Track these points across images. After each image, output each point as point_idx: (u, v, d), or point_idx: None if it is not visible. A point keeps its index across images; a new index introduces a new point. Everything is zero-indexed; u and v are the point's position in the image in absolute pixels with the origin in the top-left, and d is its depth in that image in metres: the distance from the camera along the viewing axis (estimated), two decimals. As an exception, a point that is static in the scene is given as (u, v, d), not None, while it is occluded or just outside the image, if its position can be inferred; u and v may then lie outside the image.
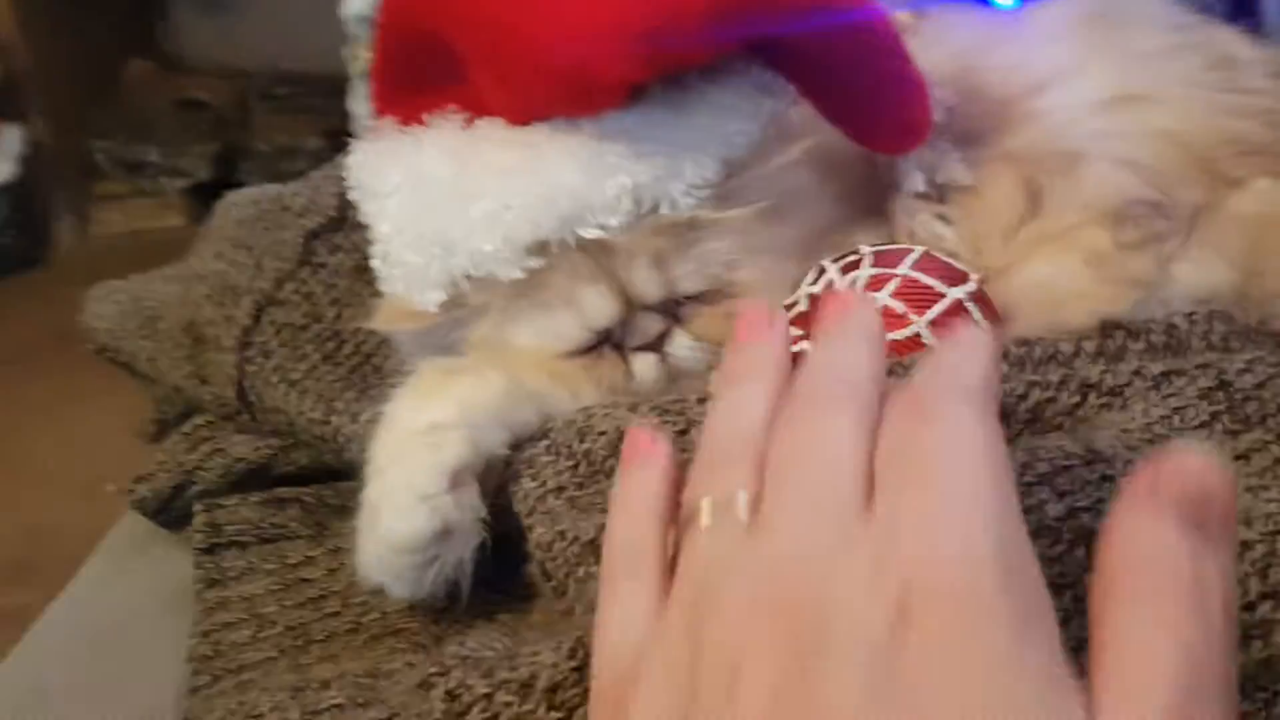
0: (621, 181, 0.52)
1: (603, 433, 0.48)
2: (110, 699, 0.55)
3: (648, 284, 0.55)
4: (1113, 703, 0.26)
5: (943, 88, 0.60)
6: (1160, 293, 0.56)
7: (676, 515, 0.35)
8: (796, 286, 0.56)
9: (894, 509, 0.29)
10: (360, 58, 2.47)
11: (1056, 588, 0.29)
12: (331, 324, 0.64)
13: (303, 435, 0.62)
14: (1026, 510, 0.30)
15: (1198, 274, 0.57)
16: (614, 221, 0.52)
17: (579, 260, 0.53)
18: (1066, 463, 0.39)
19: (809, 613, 0.28)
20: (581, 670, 0.38)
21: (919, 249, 0.54)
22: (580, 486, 0.47)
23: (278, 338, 0.63)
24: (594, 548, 0.43)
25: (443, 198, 0.54)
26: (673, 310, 0.56)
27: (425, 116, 0.57)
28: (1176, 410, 0.44)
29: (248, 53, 2.96)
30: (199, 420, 0.67)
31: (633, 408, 0.49)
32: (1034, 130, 0.60)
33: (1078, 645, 0.27)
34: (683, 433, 0.46)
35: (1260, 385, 0.45)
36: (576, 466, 0.48)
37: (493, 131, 0.56)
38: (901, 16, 0.63)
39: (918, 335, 0.50)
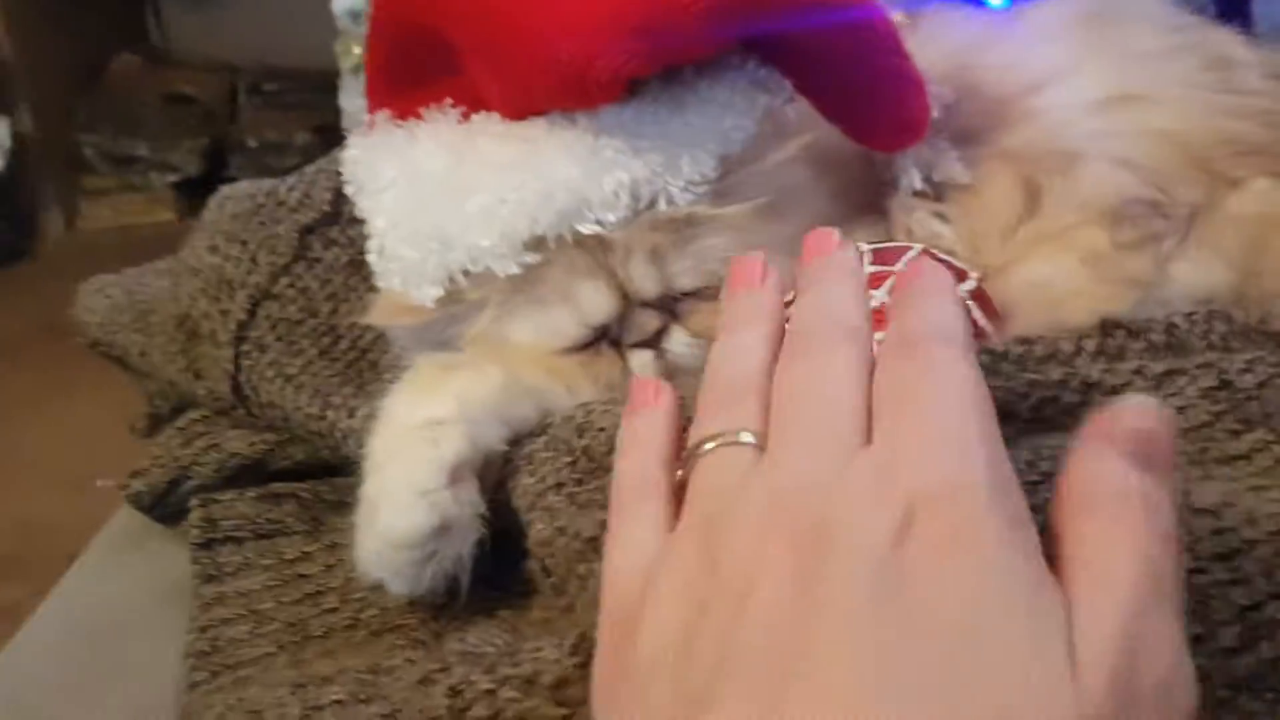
0: (619, 177, 0.52)
1: (602, 429, 0.47)
2: (105, 695, 0.54)
3: (645, 280, 0.54)
4: (1085, 600, 0.29)
5: (940, 85, 0.60)
6: (1159, 292, 0.56)
7: (680, 456, 0.37)
8: (794, 283, 0.56)
9: (893, 439, 0.32)
10: (351, 53, 2.48)
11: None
12: (327, 319, 0.64)
13: (299, 430, 0.62)
14: (1031, 509, 0.31)
15: (1196, 274, 0.57)
16: (611, 217, 0.52)
17: (576, 256, 0.53)
18: None
19: (817, 529, 0.30)
20: (586, 666, 0.38)
21: (917, 247, 0.53)
22: (579, 483, 0.47)
23: (273, 332, 0.63)
24: (594, 544, 0.43)
25: (439, 192, 0.54)
26: (670, 306, 0.56)
27: (421, 110, 0.57)
28: (1179, 410, 0.44)
29: (236, 47, 2.95)
30: (193, 415, 0.67)
31: None
32: (1032, 129, 0.60)
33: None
34: (682, 430, 0.45)
35: (1262, 385, 0.45)
36: (575, 463, 0.48)
37: (489, 126, 0.55)
38: (898, 14, 0.63)
39: (917, 333, 0.50)
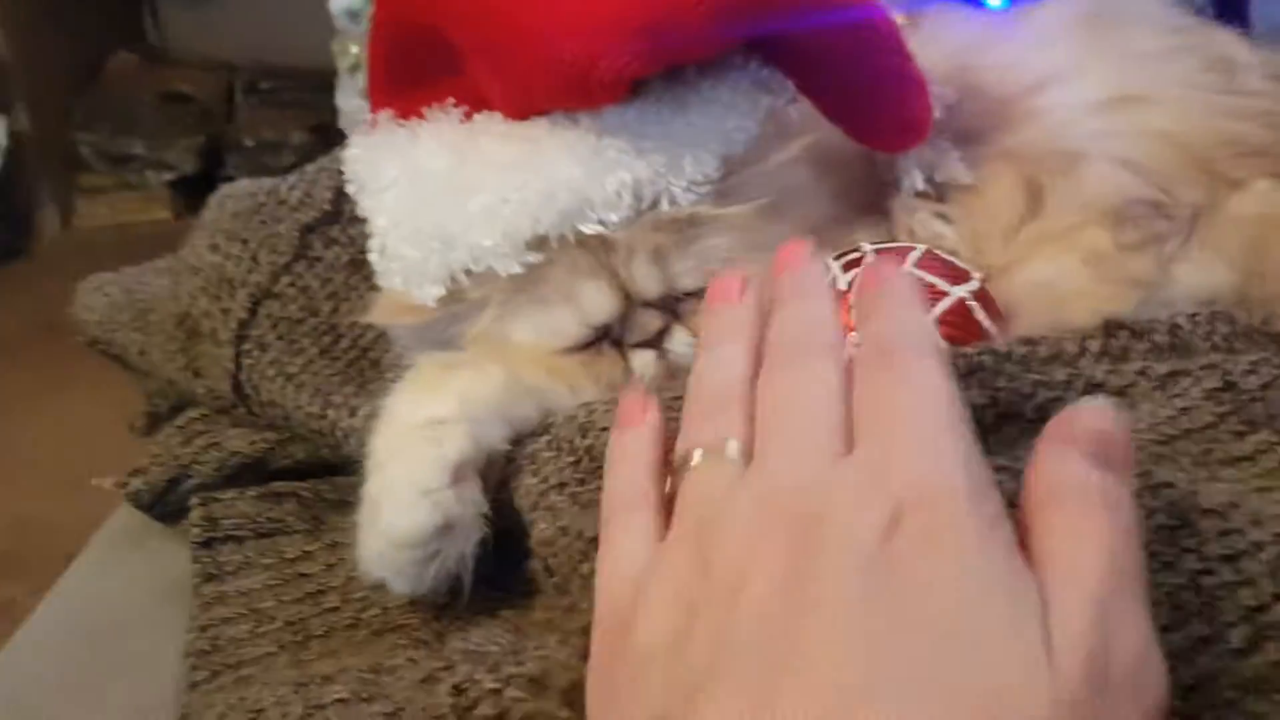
0: (621, 177, 0.52)
1: (605, 428, 0.47)
2: (105, 694, 0.54)
3: (647, 280, 0.54)
4: (1056, 591, 0.30)
5: (942, 86, 0.60)
6: (1161, 293, 0.56)
7: (667, 469, 0.38)
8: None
9: (876, 447, 0.33)
10: (348, 52, 2.47)
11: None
12: (328, 318, 0.64)
13: (299, 429, 0.62)
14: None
15: (1198, 275, 0.57)
16: (614, 217, 0.52)
17: (578, 256, 0.53)
18: None
19: (807, 528, 0.32)
20: None
21: (921, 247, 0.53)
22: (582, 482, 0.47)
23: (274, 331, 0.63)
24: (597, 544, 0.43)
25: (441, 192, 0.53)
26: (672, 307, 0.56)
27: (423, 110, 0.56)
28: (1183, 411, 0.44)
29: (233, 46, 2.95)
30: (193, 413, 0.66)
31: None
32: (1034, 129, 0.60)
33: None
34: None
35: (1266, 386, 0.45)
36: (578, 462, 0.47)
37: (491, 125, 0.55)
38: (900, 15, 0.63)
39: (921, 333, 0.50)
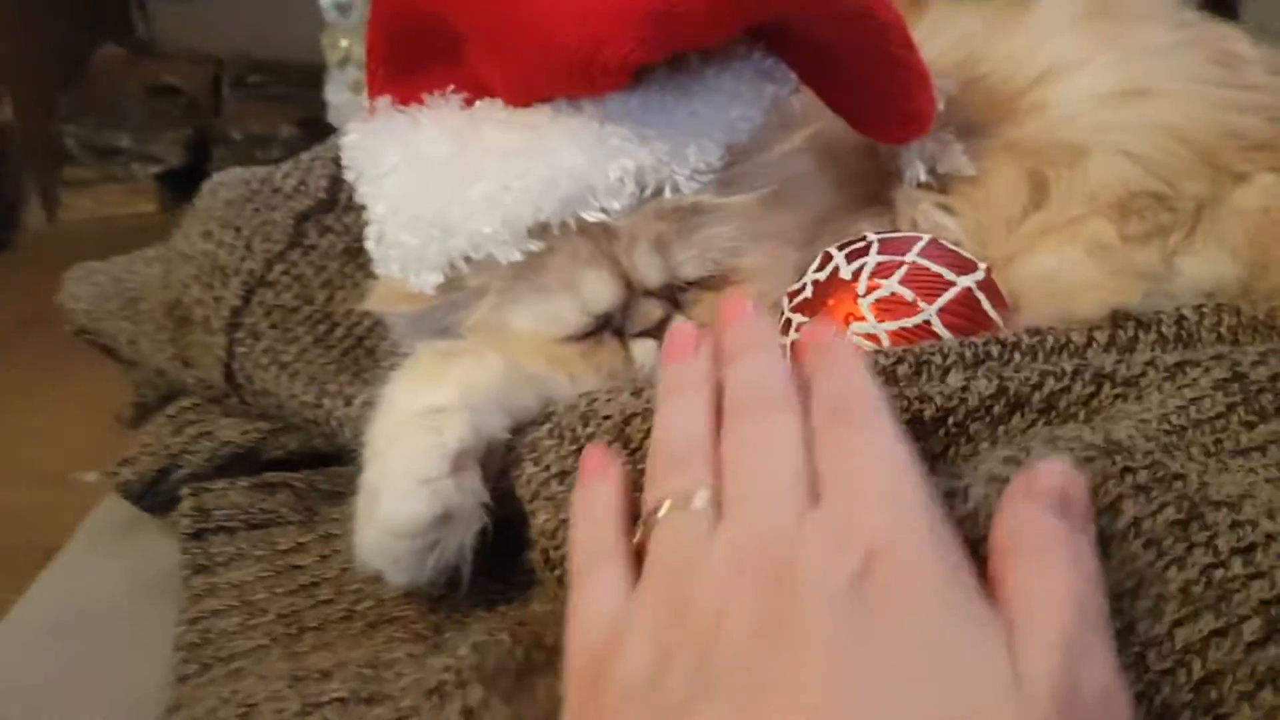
0: (624, 164, 0.51)
1: (607, 417, 0.47)
2: (91, 687, 0.53)
3: (649, 269, 0.54)
4: (1025, 624, 0.32)
5: (945, 78, 0.60)
6: (1165, 286, 0.55)
7: (633, 521, 0.40)
8: (798, 273, 0.55)
9: (841, 500, 0.35)
10: (337, 46, 2.46)
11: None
12: (323, 306, 0.63)
13: (293, 419, 0.61)
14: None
15: (1203, 268, 0.56)
16: (616, 205, 0.51)
17: (580, 244, 0.53)
18: (1087, 454, 0.39)
19: (781, 573, 0.33)
20: None
21: (926, 237, 0.53)
22: (583, 472, 0.46)
23: (268, 320, 0.62)
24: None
25: (441, 178, 0.53)
26: (673, 296, 0.56)
27: (423, 96, 0.56)
28: (1192, 401, 0.44)
29: (221, 39, 2.93)
30: (184, 403, 0.65)
31: (636, 392, 0.48)
32: (1038, 122, 0.60)
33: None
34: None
35: (1274, 377, 0.45)
36: (580, 451, 0.47)
37: (492, 112, 0.55)
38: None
39: (928, 323, 0.50)
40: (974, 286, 0.51)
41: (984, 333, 0.50)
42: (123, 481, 0.62)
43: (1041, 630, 0.32)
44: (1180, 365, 0.46)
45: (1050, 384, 0.45)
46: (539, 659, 0.41)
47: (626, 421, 0.46)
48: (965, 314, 0.51)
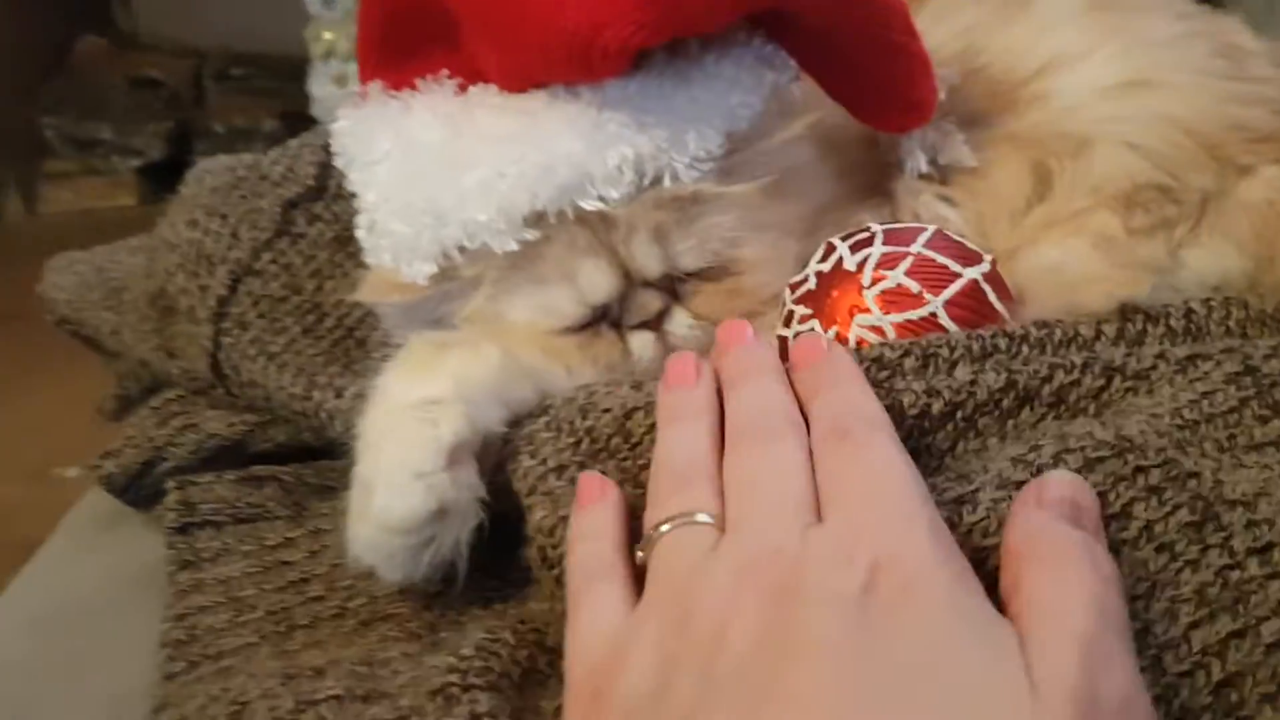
0: (623, 151, 0.50)
1: (606, 410, 0.46)
2: (74, 685, 0.52)
3: (648, 259, 0.53)
4: (1040, 630, 0.32)
5: (946, 67, 0.59)
6: (1171, 279, 0.55)
7: (631, 544, 0.40)
8: (797, 263, 0.54)
9: (845, 517, 0.36)
10: (321, 38, 2.45)
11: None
12: (312, 296, 0.62)
13: (281, 411, 0.59)
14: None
15: (1208, 260, 0.56)
16: (614, 193, 0.50)
17: (577, 233, 0.51)
18: (1098, 454, 0.38)
19: (787, 586, 0.34)
20: None
21: (931, 227, 0.52)
22: (582, 466, 0.45)
23: (255, 309, 0.61)
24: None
25: (434, 165, 0.52)
26: (672, 287, 0.55)
27: (415, 81, 0.54)
28: (1205, 395, 0.43)
29: (203, 31, 2.91)
30: (169, 394, 0.64)
31: (636, 385, 0.47)
32: (1041, 112, 0.59)
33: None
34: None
35: None
36: (579, 444, 0.46)
37: (487, 98, 0.53)
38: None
39: (934, 315, 0.49)
40: (980, 279, 0.50)
41: (990, 325, 0.49)
42: (106, 475, 0.61)
43: (1060, 637, 0.32)
44: (1191, 358, 0.46)
45: (1060, 377, 0.45)
46: (542, 662, 0.40)
47: (628, 415, 0.45)
48: (971, 306, 0.50)
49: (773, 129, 0.55)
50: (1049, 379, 0.44)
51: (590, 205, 0.50)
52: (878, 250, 0.51)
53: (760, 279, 0.55)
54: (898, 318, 0.49)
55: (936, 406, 0.43)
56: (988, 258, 0.51)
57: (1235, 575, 0.36)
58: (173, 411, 0.63)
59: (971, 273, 0.50)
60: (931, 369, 0.45)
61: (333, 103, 2.41)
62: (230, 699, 0.42)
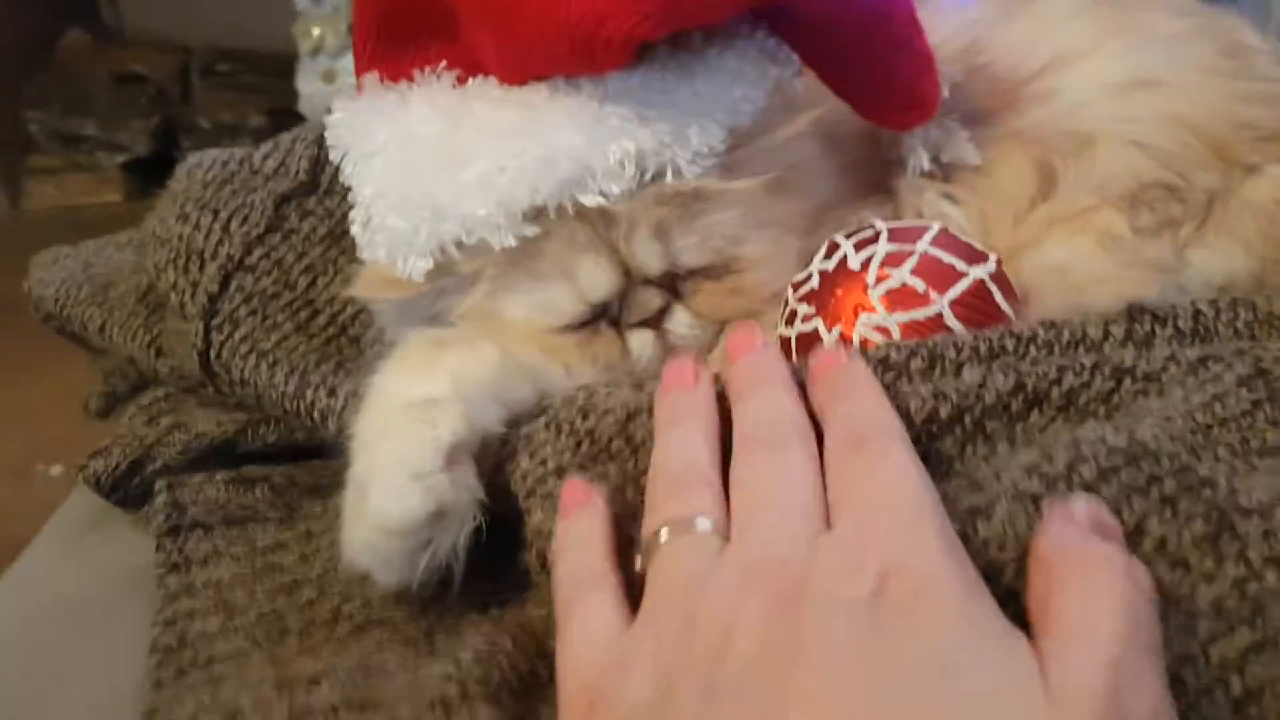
0: (624, 146, 0.49)
1: (608, 411, 0.45)
2: (60, 690, 0.51)
3: (649, 256, 0.52)
4: (1068, 650, 0.31)
5: (949, 64, 0.58)
6: (1177, 279, 0.54)
7: (618, 551, 0.40)
8: (799, 261, 0.53)
9: (855, 524, 0.35)
10: (309, 35, 2.43)
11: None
12: (304, 293, 0.61)
13: (273, 410, 0.58)
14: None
15: (1214, 261, 0.55)
16: (616, 188, 0.49)
17: (577, 229, 0.51)
18: (1112, 462, 0.37)
19: (796, 591, 0.33)
20: None
21: (936, 225, 0.51)
22: (582, 468, 0.44)
23: (246, 306, 0.60)
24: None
25: (432, 158, 0.51)
26: (672, 285, 0.54)
27: (413, 73, 0.53)
28: (1216, 397, 0.42)
29: (190, 26, 2.89)
30: (157, 392, 0.63)
31: (638, 385, 0.46)
32: (1045, 110, 0.59)
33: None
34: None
35: None
36: (579, 446, 0.45)
37: (486, 90, 0.52)
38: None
39: (940, 315, 0.48)
40: (986, 278, 0.49)
41: (997, 325, 0.48)
42: (93, 474, 0.59)
43: (1088, 653, 0.31)
44: (1202, 360, 0.45)
45: (1069, 379, 0.44)
46: (542, 669, 0.39)
47: (630, 418, 0.44)
48: (977, 306, 0.49)
49: (775, 124, 0.54)
50: (1058, 381, 0.43)
51: (591, 200, 0.49)
52: (882, 248, 0.50)
53: (762, 276, 0.54)
54: (903, 317, 0.48)
55: (944, 410, 0.42)
56: (993, 257, 0.50)
57: (1253, 587, 0.35)
58: (161, 410, 0.62)
59: (977, 272, 0.49)
60: (938, 371, 0.44)
61: (320, 99, 2.40)
62: (222, 708, 0.40)
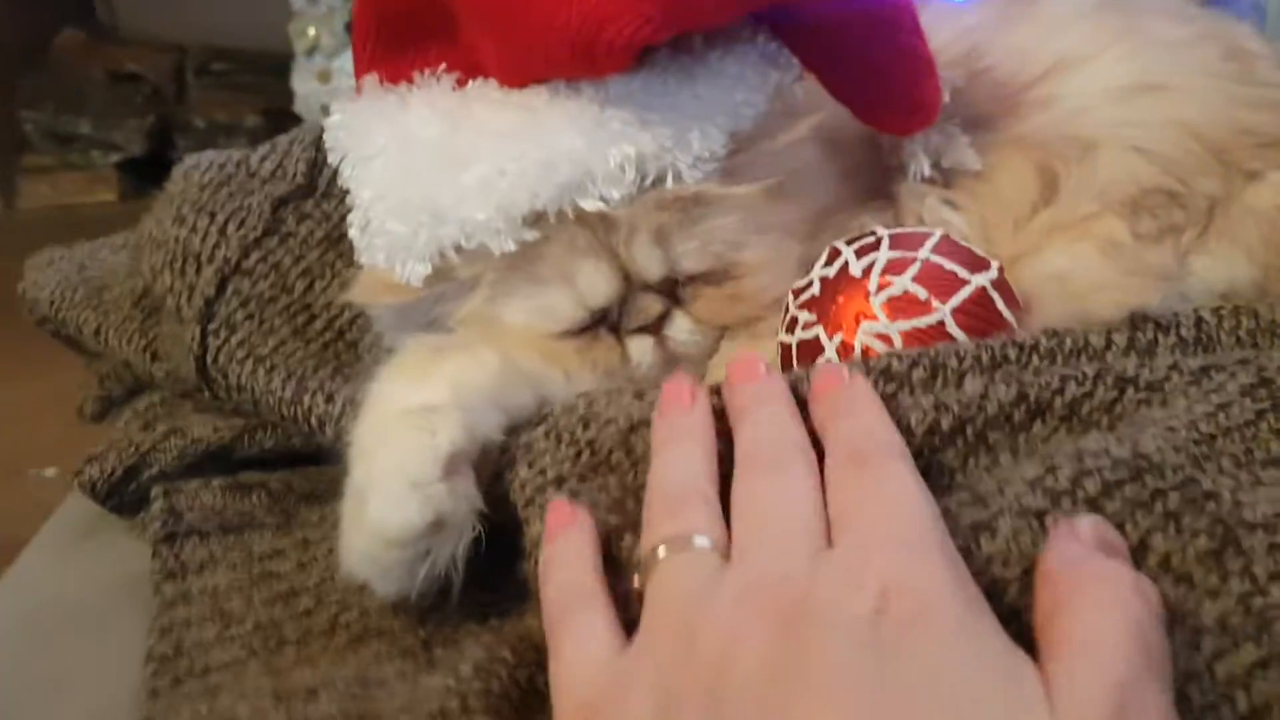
0: (625, 150, 0.49)
1: (610, 421, 0.44)
2: (54, 700, 0.50)
3: (649, 261, 0.52)
4: (1075, 669, 0.30)
5: (950, 69, 0.58)
6: (1179, 286, 0.54)
7: (606, 570, 0.40)
8: (800, 266, 0.53)
9: (857, 543, 0.35)
10: (305, 34, 2.43)
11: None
12: (301, 297, 0.60)
13: (269, 416, 0.58)
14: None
15: (1216, 268, 0.55)
16: (616, 193, 0.49)
17: (577, 233, 0.50)
18: (1116, 476, 0.37)
19: (797, 609, 0.32)
20: None
21: (938, 232, 0.51)
22: (582, 479, 0.44)
23: (243, 310, 0.59)
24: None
25: (432, 162, 0.50)
26: (672, 290, 0.53)
27: (412, 75, 0.53)
28: (1220, 407, 0.42)
29: (185, 25, 2.88)
30: (153, 397, 0.63)
31: (639, 395, 0.46)
32: (1047, 115, 0.58)
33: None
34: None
35: None
36: (579, 456, 0.44)
37: (486, 93, 0.52)
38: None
39: (942, 323, 0.47)
40: (988, 285, 0.49)
41: (999, 334, 0.48)
42: (88, 481, 0.59)
43: (1095, 672, 0.30)
44: (1205, 370, 0.44)
45: (1072, 389, 0.43)
46: (542, 682, 0.39)
47: (632, 429, 0.43)
48: (979, 314, 0.48)
49: (776, 129, 0.53)
50: (1061, 391, 0.43)
51: (591, 205, 0.49)
52: (884, 255, 0.50)
53: (762, 282, 0.54)
54: (905, 325, 0.48)
55: (946, 422, 0.42)
56: (995, 264, 0.50)
57: (1257, 602, 0.35)
58: (157, 415, 0.61)
59: (979, 279, 0.49)
60: (940, 381, 0.44)
61: (316, 99, 2.40)
62: (219, 718, 0.40)
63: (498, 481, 0.46)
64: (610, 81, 0.50)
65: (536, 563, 0.43)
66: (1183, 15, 0.63)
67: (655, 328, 0.53)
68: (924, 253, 0.49)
